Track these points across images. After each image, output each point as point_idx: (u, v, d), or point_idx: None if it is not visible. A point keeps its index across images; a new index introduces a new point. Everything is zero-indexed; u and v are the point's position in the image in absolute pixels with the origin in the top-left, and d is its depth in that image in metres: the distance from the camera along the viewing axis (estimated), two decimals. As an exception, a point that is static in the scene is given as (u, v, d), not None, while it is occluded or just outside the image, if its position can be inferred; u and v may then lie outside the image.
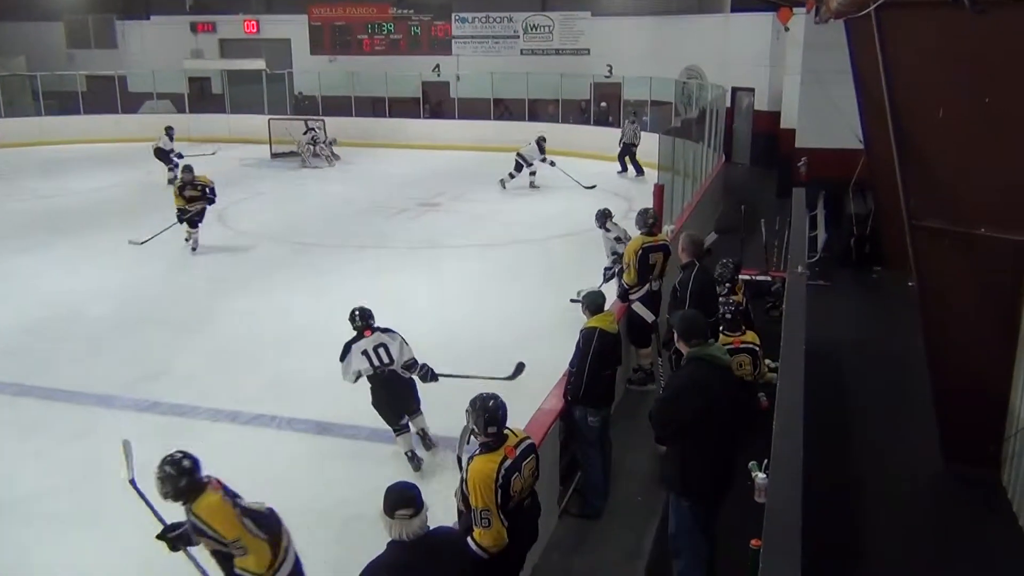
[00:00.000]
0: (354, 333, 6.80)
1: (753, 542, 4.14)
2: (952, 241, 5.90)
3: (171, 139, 19.27)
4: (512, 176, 18.14)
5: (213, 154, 21.32)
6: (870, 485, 6.43)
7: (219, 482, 4.33)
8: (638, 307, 7.63)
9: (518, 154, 18.19)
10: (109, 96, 26.48)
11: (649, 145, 18.37)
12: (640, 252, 7.69)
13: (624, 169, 19.37)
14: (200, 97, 27.37)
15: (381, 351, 6.70)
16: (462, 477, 4.13)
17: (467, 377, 7.06)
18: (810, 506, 3.64)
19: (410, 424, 6.93)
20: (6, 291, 11.28)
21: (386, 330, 6.83)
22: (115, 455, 6.96)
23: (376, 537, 3.55)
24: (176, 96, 27.03)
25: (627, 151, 19.34)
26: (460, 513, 4.17)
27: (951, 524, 6.01)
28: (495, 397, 4.16)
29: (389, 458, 6.94)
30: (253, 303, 10.80)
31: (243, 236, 14.39)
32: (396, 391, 6.81)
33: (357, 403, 7.79)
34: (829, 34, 11.11)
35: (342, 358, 6.78)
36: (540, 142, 18.18)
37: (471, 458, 4.13)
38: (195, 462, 4.36)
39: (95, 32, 28.39)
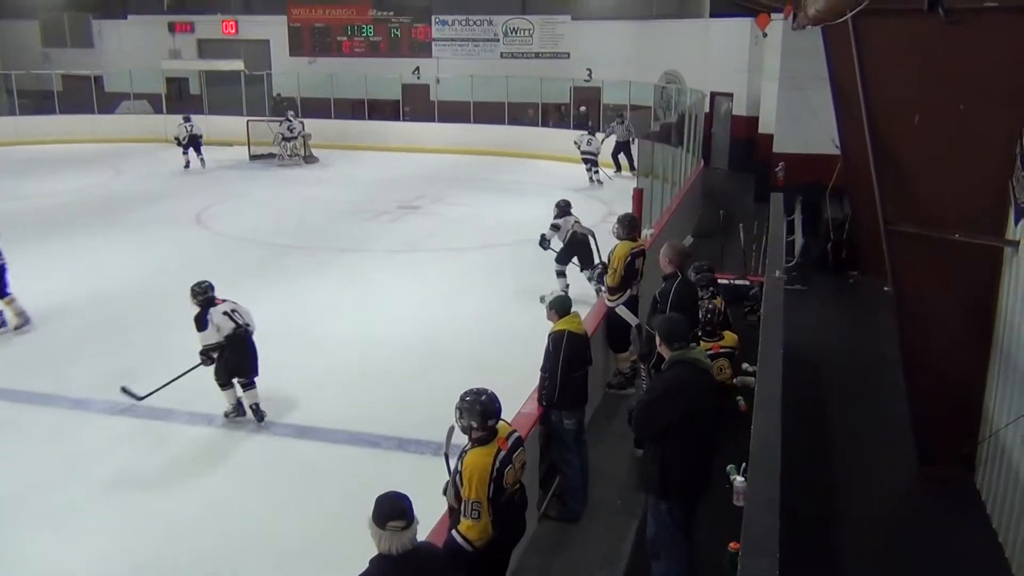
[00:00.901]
0: (197, 308, 7.44)
1: (732, 545, 4.16)
2: (927, 246, 5.97)
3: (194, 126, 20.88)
4: (596, 173, 19.05)
5: (230, 146, 22.30)
6: (847, 488, 6.47)
7: None
8: (622, 311, 7.65)
9: (586, 154, 19.09)
10: (85, 96, 26.25)
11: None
12: (628, 258, 7.71)
13: (619, 169, 19.81)
14: (178, 98, 27.15)
15: (237, 315, 7.46)
16: (457, 469, 4.13)
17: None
18: (788, 509, 3.67)
19: (241, 397, 7.60)
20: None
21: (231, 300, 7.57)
22: (90, 458, 6.93)
23: (354, 545, 3.52)
24: (153, 96, 26.79)
25: (621, 149, 19.90)
26: (451, 510, 4.17)
27: (927, 526, 6.06)
28: (486, 391, 4.20)
29: (368, 462, 6.93)
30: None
31: (221, 238, 14.30)
32: (246, 353, 7.51)
33: (337, 407, 7.82)
34: (807, 40, 11.19)
35: (202, 326, 7.37)
36: (592, 132, 19.25)
37: (464, 452, 4.16)
38: None
39: (71, 31, 28.10)
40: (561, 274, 10.76)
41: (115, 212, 15.84)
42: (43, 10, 28.00)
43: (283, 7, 26.88)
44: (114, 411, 7.72)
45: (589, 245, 10.38)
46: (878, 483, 6.58)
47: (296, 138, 21.78)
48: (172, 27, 27.96)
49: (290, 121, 21.91)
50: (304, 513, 6.18)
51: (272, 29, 27.29)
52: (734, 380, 7.20)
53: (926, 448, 6.52)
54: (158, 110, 26.40)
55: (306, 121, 22.66)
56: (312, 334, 9.71)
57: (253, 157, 22.24)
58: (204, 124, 25.00)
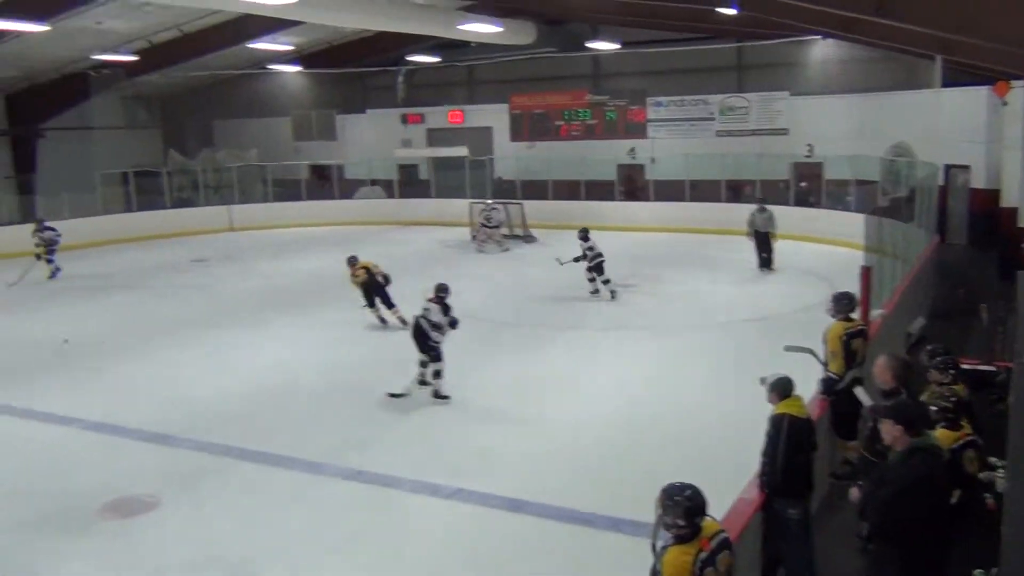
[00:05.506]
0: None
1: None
2: None
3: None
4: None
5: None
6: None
7: None
8: (859, 391, 7.24)
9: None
10: (328, 183, 29.01)
11: (854, 226, 17.70)
12: (844, 338, 7.37)
13: (762, 265, 17.96)
14: (408, 183, 29.22)
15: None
16: (655, 568, 4.03)
17: None
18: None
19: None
20: (234, 362, 12.31)
21: None
22: (322, 522, 7.36)
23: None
24: (386, 182, 29.07)
25: (762, 242, 17.96)
26: None
27: None
28: (691, 486, 4.05)
29: (582, 540, 6.93)
30: (455, 380, 11.14)
31: (444, 314, 14.97)
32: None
33: (551, 482, 7.90)
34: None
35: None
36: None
37: (665, 548, 4.04)
38: None
39: (317, 126, 31.06)
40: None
41: (351, 289, 17.03)
42: (295, 108, 31.20)
43: (505, 96, 28.35)
44: (347, 476, 8.21)
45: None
46: None
47: (497, 227, 22.35)
48: (405, 119, 30.16)
49: (489, 211, 22.55)
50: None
51: (495, 117, 28.78)
52: (979, 475, 6.61)
53: None
54: (391, 195, 28.63)
55: (525, 203, 23.54)
56: (528, 409, 9.92)
57: (475, 237, 23.31)
58: (431, 207, 26.78)
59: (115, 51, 23.92)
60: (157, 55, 24.57)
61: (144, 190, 27.27)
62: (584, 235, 15.77)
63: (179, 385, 11.23)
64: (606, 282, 15.64)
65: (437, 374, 10.21)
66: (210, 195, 28.94)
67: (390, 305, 13.98)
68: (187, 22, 22.63)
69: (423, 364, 10.28)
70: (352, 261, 14.28)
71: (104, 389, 11.17)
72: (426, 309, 10.36)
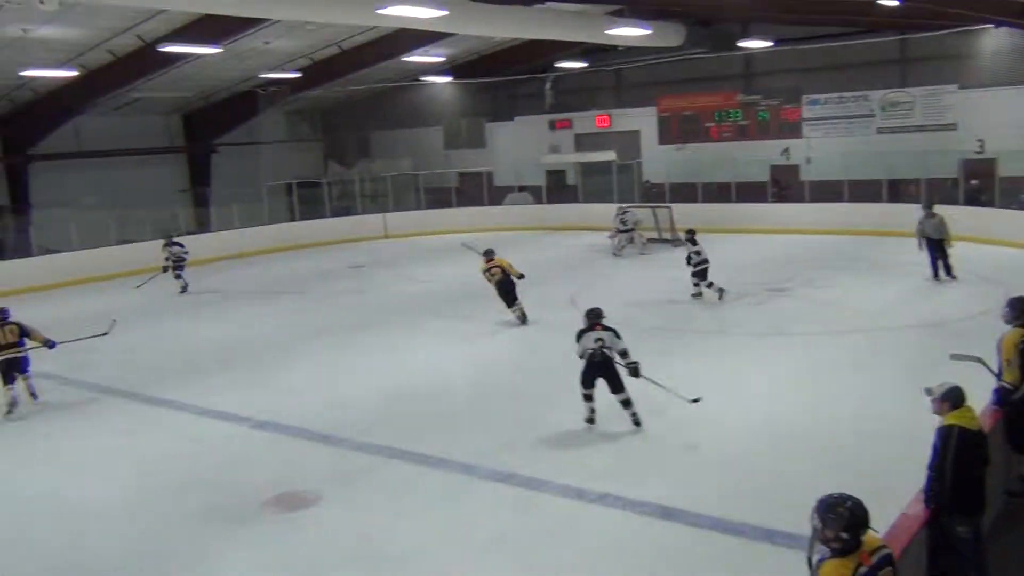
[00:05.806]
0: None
1: None
2: None
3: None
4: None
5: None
6: None
7: None
8: None
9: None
10: (478, 190, 29.68)
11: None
12: (1021, 346, 6.89)
13: (936, 274, 15.95)
14: (556, 188, 29.42)
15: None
16: None
17: None
18: None
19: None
20: (389, 363, 12.74)
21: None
22: (471, 521, 7.52)
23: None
24: (534, 188, 29.39)
25: (934, 248, 15.84)
26: None
27: None
28: (852, 497, 3.91)
29: (735, 551, 6.78)
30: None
31: (592, 319, 14.99)
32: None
33: (702, 490, 7.76)
34: None
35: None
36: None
37: (821, 560, 3.93)
38: None
39: (467, 134, 31.75)
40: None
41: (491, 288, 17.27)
42: (445, 118, 32.04)
43: (653, 99, 28.10)
44: (497, 478, 8.34)
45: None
46: None
47: (632, 230, 21.96)
48: (552, 125, 30.38)
49: (623, 214, 22.18)
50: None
51: (642, 120, 28.58)
52: None
53: None
54: (539, 200, 28.96)
55: (673, 206, 23.21)
56: (677, 416, 9.76)
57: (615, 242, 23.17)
58: (579, 212, 26.85)
59: (280, 69, 25.41)
60: (318, 71, 25.94)
61: (306, 200, 28.79)
62: (691, 237, 15.62)
63: (338, 386, 11.75)
64: (709, 285, 15.43)
65: (627, 403, 9.40)
66: (367, 204, 30.20)
67: (515, 299, 14.47)
68: (346, 39, 23.71)
69: (590, 398, 9.52)
70: (489, 255, 14.81)
71: (270, 389, 11.79)
72: (598, 340, 9.28)
